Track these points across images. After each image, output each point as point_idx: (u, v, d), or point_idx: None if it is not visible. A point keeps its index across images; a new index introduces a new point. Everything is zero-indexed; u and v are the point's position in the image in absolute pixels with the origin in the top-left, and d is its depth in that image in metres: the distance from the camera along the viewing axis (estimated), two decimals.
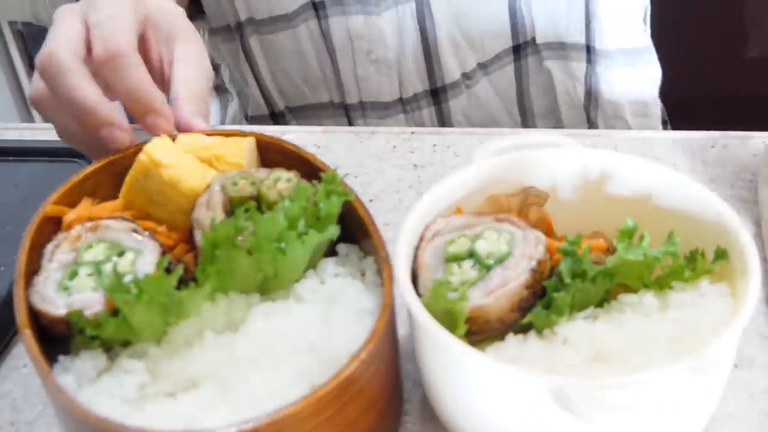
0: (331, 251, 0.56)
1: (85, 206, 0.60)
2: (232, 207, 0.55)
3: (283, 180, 0.57)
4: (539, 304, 0.50)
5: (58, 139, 0.86)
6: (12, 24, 2.17)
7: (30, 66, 2.26)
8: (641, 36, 0.91)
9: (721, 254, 0.49)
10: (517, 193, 0.56)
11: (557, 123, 0.95)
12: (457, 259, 0.51)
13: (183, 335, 0.51)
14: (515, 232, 0.52)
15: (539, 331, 0.49)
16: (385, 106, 0.92)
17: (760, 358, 0.57)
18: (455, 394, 0.49)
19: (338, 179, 0.55)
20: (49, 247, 0.55)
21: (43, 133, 0.89)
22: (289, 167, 0.58)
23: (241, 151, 0.60)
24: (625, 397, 0.42)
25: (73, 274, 0.53)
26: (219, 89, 1.09)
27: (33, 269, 0.54)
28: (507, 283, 0.49)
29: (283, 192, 0.55)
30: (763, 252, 0.65)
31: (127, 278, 0.51)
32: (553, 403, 0.42)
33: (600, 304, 0.51)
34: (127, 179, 0.59)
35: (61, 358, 0.51)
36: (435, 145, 0.81)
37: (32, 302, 0.52)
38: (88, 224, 0.56)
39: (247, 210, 0.52)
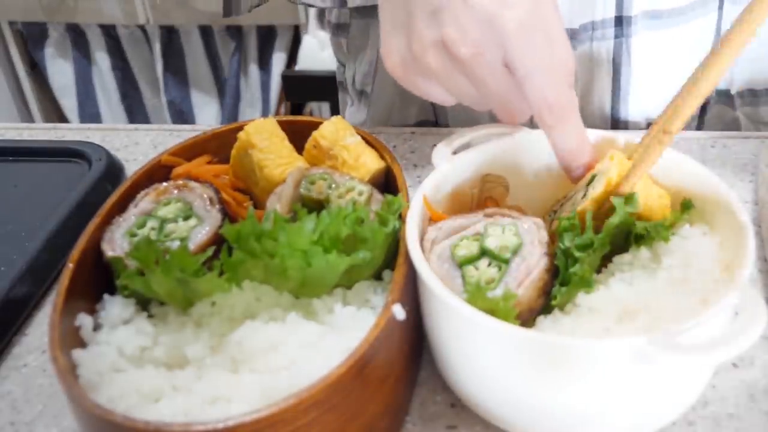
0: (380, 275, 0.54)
1: (197, 162, 0.62)
2: (303, 204, 0.55)
3: (356, 192, 0.56)
4: (556, 283, 0.50)
5: (58, 139, 0.87)
6: (12, 24, 2.17)
7: (30, 66, 2.26)
8: None
9: (686, 205, 0.54)
10: (476, 184, 0.57)
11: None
12: (470, 261, 0.50)
13: (198, 314, 0.52)
14: (517, 222, 0.52)
15: (561, 308, 0.50)
16: None
17: (760, 358, 0.57)
18: (512, 382, 0.48)
19: (398, 206, 0.53)
20: (141, 193, 0.58)
21: (43, 133, 0.89)
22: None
23: (367, 165, 0.60)
24: (693, 337, 0.43)
25: (142, 225, 0.55)
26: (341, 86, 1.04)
27: (122, 210, 0.57)
28: (530, 272, 0.49)
29: (349, 203, 0.54)
30: (763, 252, 0.65)
31: (175, 243, 0.53)
32: (636, 362, 0.43)
33: (598, 271, 0.52)
34: (233, 151, 0.61)
35: (106, 296, 0.53)
36: (435, 145, 0.81)
37: (102, 239, 0.54)
38: (179, 182, 0.58)
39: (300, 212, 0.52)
